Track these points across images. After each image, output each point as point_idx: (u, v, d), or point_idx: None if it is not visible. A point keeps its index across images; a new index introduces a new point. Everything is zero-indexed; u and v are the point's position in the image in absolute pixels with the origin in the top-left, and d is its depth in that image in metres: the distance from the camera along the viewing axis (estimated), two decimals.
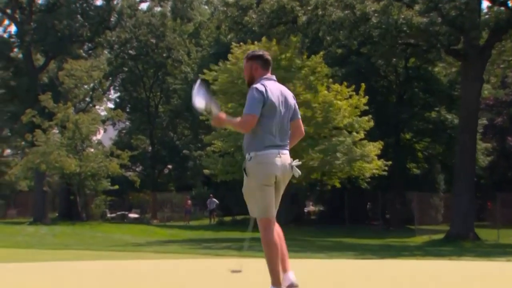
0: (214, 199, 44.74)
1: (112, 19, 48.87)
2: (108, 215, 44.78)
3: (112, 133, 56.97)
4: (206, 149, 36.34)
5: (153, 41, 50.98)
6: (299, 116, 6.36)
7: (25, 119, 38.46)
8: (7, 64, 46.70)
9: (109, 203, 44.44)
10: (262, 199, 6.02)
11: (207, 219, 45.88)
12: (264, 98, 6.01)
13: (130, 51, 52.27)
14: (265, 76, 6.23)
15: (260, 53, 6.36)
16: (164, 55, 51.95)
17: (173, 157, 53.74)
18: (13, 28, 47.67)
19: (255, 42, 30.11)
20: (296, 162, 6.15)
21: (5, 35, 47.97)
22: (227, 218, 44.66)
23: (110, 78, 52.86)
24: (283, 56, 30.51)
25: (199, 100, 6.12)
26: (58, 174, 40.40)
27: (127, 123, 58.05)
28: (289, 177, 6.17)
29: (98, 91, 46.91)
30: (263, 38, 30.33)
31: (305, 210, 50.88)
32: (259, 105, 5.98)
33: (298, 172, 6.13)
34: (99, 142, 43.93)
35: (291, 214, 39.47)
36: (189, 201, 46.87)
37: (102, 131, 48.22)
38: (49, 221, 40.00)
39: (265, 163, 5.98)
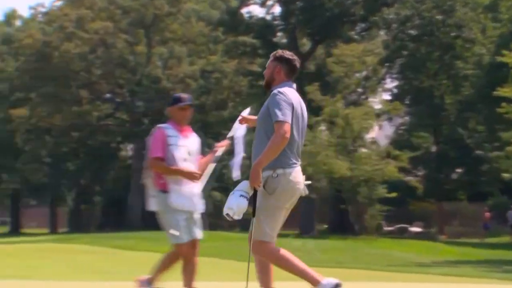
0: None
1: None
2: (385, 228, 45.32)
3: (388, 130, 57.52)
4: (505, 148, 35.42)
5: (440, 17, 50.55)
6: None
7: None
8: (270, 51, 48.77)
9: (386, 214, 44.92)
10: (277, 221, 6.47)
11: (508, 236, 44.71)
12: (292, 105, 6.31)
13: (411, 31, 52.31)
14: (286, 82, 6.51)
15: (289, 57, 6.64)
16: (453, 34, 51.26)
17: (464, 158, 52.92)
18: (276, 9, 50.03)
19: None
20: (307, 182, 6.67)
21: (268, 17, 50.35)
22: None
23: (387, 64, 53.37)
24: None
25: (240, 205, 6.35)
26: (326, 179, 41.46)
27: (407, 117, 58.23)
28: None
29: (372, 80, 47.63)
30: None
31: None
32: (290, 111, 6.26)
33: (306, 192, 6.62)
34: (374, 141, 44.48)
35: None
36: (488, 213, 46.01)
37: (376, 128, 48.86)
38: (316, 233, 41.39)
39: (294, 182, 6.43)
